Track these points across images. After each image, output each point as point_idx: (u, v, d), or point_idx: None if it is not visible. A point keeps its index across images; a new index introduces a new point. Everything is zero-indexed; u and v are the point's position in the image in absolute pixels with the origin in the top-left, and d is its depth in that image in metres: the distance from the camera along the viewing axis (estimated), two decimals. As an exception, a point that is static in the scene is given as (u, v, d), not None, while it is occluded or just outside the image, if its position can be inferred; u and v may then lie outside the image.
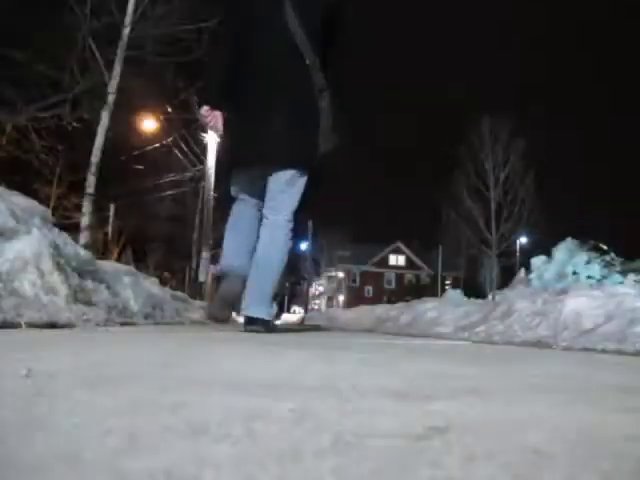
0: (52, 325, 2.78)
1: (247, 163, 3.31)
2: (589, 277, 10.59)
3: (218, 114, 3.29)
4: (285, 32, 3.21)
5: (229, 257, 3.43)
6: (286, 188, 3.26)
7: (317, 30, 3.27)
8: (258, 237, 3.37)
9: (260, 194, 3.38)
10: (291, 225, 3.32)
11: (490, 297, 13.78)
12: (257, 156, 3.22)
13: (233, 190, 3.49)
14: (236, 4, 3.42)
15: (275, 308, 3.52)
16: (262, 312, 3.31)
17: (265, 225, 3.34)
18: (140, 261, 19.59)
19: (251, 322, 3.32)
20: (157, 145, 17.34)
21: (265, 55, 3.25)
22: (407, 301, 11.81)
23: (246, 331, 3.31)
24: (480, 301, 8.30)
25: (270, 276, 3.32)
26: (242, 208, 3.45)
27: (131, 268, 6.20)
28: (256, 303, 3.30)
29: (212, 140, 16.43)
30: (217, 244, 20.62)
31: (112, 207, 18.65)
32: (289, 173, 3.23)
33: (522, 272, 12.43)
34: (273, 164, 3.22)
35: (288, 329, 4.96)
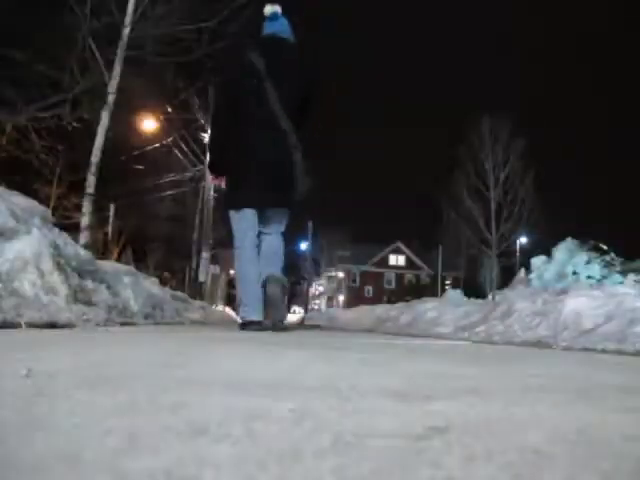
0: (52, 325, 2.78)
1: (252, 205, 4.32)
2: (589, 277, 10.58)
3: (222, 178, 4.56)
4: (269, 113, 4.15)
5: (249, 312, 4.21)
6: (279, 220, 4.39)
7: (295, 106, 4.22)
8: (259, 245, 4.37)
9: (258, 213, 4.35)
10: (282, 237, 4.42)
11: (490, 297, 13.77)
12: (261, 201, 4.33)
13: (238, 230, 4.33)
14: (235, 93, 4.31)
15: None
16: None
17: (263, 239, 4.32)
18: (140, 261, 19.60)
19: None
20: (157, 145, 17.33)
21: (258, 132, 4.18)
22: (407, 301, 11.81)
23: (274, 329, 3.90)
24: (480, 301, 8.30)
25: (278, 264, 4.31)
26: (242, 254, 4.31)
27: (131, 268, 6.21)
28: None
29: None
30: (217, 244, 20.65)
31: (112, 207, 18.63)
32: (282, 210, 4.39)
33: (522, 272, 12.42)
34: (272, 206, 4.35)
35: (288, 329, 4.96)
